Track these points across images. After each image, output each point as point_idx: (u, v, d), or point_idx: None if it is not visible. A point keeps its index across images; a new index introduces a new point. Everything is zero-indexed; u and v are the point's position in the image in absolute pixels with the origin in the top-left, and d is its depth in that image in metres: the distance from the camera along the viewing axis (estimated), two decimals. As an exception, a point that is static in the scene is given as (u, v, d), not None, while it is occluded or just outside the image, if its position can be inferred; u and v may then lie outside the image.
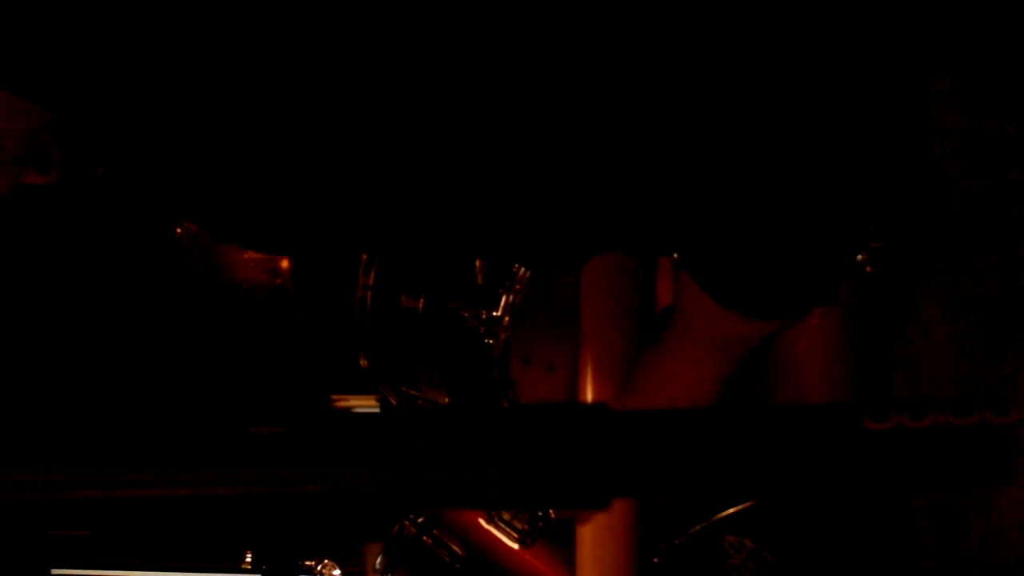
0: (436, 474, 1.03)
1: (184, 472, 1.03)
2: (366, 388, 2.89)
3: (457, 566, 2.57)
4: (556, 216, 1.50)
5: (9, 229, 2.81)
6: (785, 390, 2.27)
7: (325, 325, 3.14)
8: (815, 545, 2.24)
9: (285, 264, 3.23)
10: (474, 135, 1.41)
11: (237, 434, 1.06)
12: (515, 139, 1.42)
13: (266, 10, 1.34)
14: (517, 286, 2.46)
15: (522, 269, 2.46)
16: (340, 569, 2.84)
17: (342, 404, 3.17)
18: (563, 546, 2.47)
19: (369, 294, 2.71)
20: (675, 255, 1.71)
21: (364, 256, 2.70)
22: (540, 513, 2.45)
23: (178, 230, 3.11)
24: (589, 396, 2.05)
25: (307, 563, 2.83)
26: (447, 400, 2.62)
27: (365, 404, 3.05)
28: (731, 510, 2.22)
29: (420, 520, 2.63)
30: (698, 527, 2.24)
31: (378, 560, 2.69)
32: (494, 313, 2.47)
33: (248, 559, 2.80)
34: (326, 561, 2.83)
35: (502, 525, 2.50)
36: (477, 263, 2.52)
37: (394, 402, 2.76)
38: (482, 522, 2.54)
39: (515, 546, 2.48)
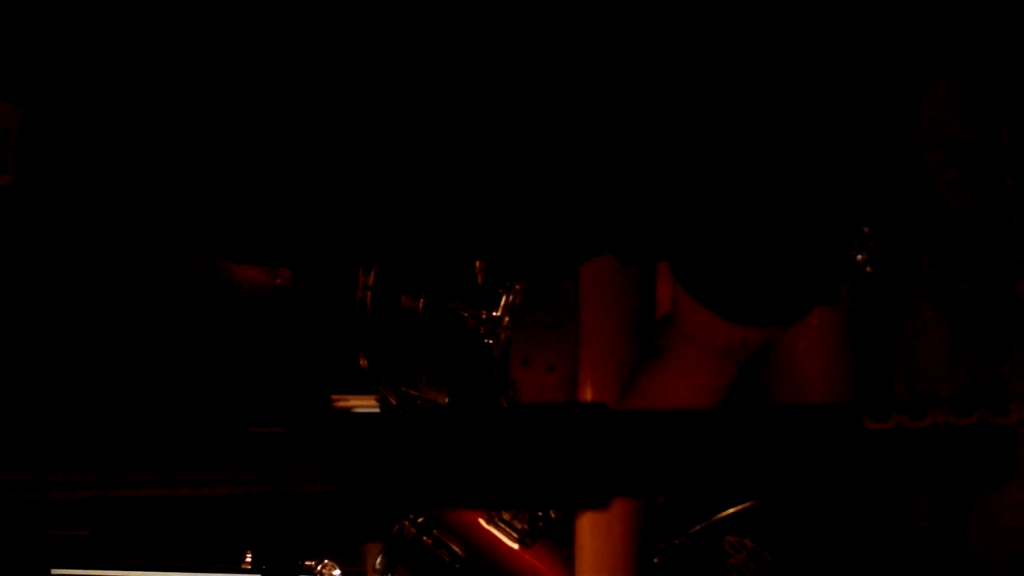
0: (436, 474, 1.03)
1: (184, 472, 1.03)
2: (366, 388, 2.89)
3: (457, 566, 2.57)
4: (546, 222, 1.50)
5: (10, 229, 2.81)
6: (785, 390, 2.27)
7: (325, 325, 3.14)
8: (815, 545, 2.24)
9: (286, 267, 3.22)
10: (466, 143, 1.41)
11: (237, 434, 1.06)
12: (506, 147, 1.42)
13: (265, 26, 1.34)
14: (517, 286, 2.46)
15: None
16: (340, 569, 2.84)
17: (342, 404, 3.17)
18: (563, 546, 2.47)
19: (369, 294, 2.71)
20: (667, 264, 1.71)
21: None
22: (540, 513, 2.46)
23: (182, 241, 3.10)
24: (588, 396, 2.05)
25: (307, 563, 2.82)
26: (447, 400, 2.62)
27: (365, 404, 3.05)
28: (731, 510, 2.22)
29: (420, 520, 2.63)
30: (698, 527, 2.24)
31: (378, 560, 2.69)
32: (494, 313, 2.47)
33: (248, 559, 2.80)
34: (326, 561, 2.83)
35: (502, 525, 2.50)
36: (477, 263, 2.52)
37: (394, 402, 2.76)
38: (482, 522, 2.53)
39: (515, 546, 2.48)
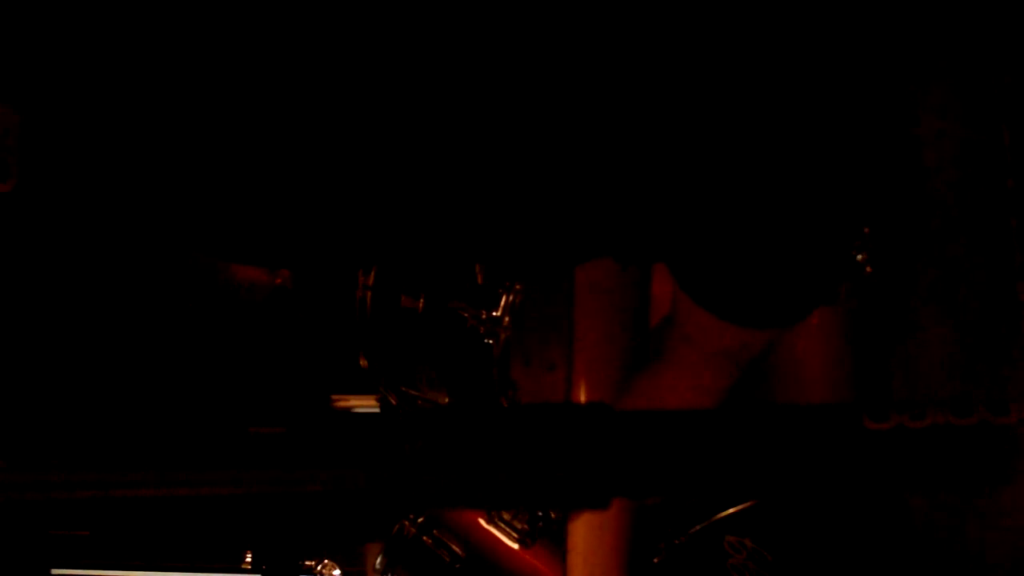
0: (436, 474, 1.03)
1: (184, 472, 1.03)
2: (366, 388, 2.89)
3: (457, 566, 2.57)
4: (545, 224, 1.50)
5: (10, 230, 2.81)
6: (785, 390, 2.27)
7: (325, 325, 3.14)
8: (815, 545, 2.24)
9: (285, 268, 3.22)
10: (466, 144, 1.41)
11: (237, 434, 1.06)
12: (505, 148, 1.42)
13: (265, 27, 1.34)
14: (517, 286, 2.46)
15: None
16: (340, 569, 2.84)
17: (342, 404, 3.17)
18: (563, 546, 2.47)
19: (369, 294, 2.71)
20: (664, 265, 1.71)
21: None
22: (540, 513, 2.46)
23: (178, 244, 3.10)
24: (583, 396, 2.05)
25: (307, 563, 2.82)
26: (447, 400, 2.62)
27: (365, 404, 3.05)
28: (731, 510, 2.22)
29: (420, 520, 2.63)
30: (698, 527, 2.24)
31: (378, 560, 2.69)
32: (494, 313, 2.47)
33: (248, 559, 2.80)
34: (326, 561, 2.83)
35: (502, 525, 2.50)
36: (477, 264, 2.52)
37: (394, 402, 2.76)
38: (482, 522, 2.54)
39: (515, 546, 2.48)
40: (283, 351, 3.17)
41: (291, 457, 1.04)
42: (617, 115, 1.42)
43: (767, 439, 1.07)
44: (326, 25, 1.34)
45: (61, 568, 2.79)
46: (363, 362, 2.76)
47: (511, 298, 2.46)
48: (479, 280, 2.52)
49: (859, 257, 1.99)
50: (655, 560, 2.23)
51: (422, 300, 2.61)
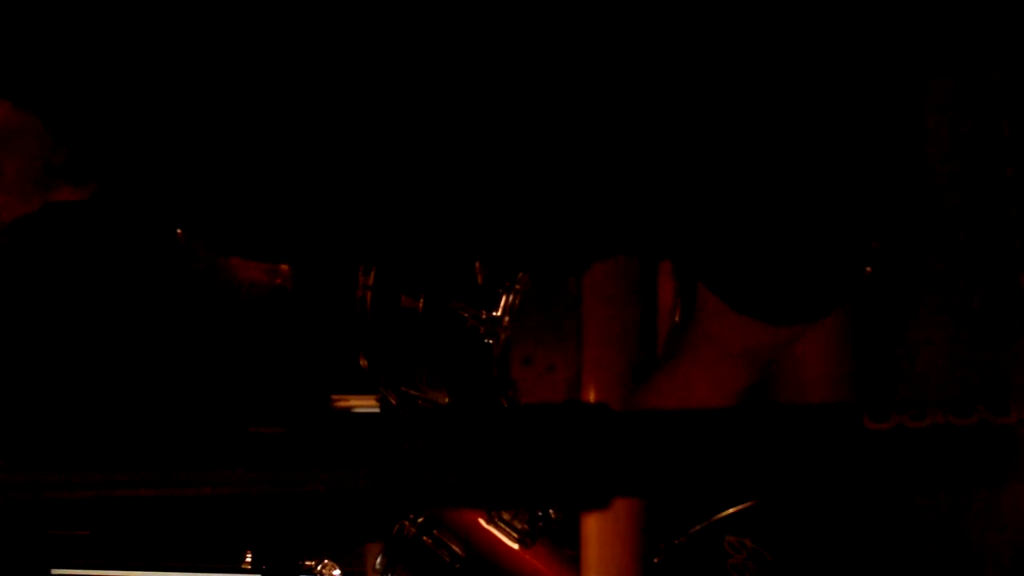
0: (436, 474, 1.03)
1: (184, 472, 1.03)
2: (366, 388, 2.89)
3: (457, 566, 2.57)
4: (566, 221, 1.50)
5: (9, 229, 2.81)
6: (785, 390, 2.27)
7: (325, 325, 3.14)
8: (815, 545, 2.24)
9: (285, 264, 3.23)
10: (481, 143, 1.41)
11: (237, 434, 1.06)
12: (525, 146, 1.42)
13: (266, 25, 1.34)
14: (517, 286, 2.46)
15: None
16: (340, 569, 2.84)
17: (342, 404, 3.17)
18: (563, 546, 2.47)
19: (369, 294, 2.71)
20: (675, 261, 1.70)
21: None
22: (540, 513, 2.46)
23: (179, 231, 3.11)
24: (592, 397, 2.05)
25: (307, 563, 2.82)
26: (447, 400, 2.62)
27: (365, 404, 3.05)
28: (731, 510, 2.22)
29: (420, 520, 2.63)
30: (698, 527, 2.24)
31: (378, 560, 2.69)
32: (494, 313, 2.47)
33: (248, 559, 2.80)
34: (326, 561, 2.83)
35: (502, 525, 2.50)
36: (477, 263, 2.52)
37: (394, 402, 2.76)
38: (482, 522, 2.54)
39: (515, 546, 2.48)
40: (283, 351, 3.17)
41: (291, 457, 1.04)
42: (639, 113, 1.42)
43: (767, 439, 1.07)
44: (329, 23, 1.34)
45: (61, 568, 2.79)
46: (363, 362, 2.77)
47: (511, 298, 2.46)
48: (479, 280, 2.52)
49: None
50: (655, 560, 2.23)
51: (422, 300, 2.61)
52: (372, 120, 1.39)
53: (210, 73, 1.34)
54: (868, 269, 1.92)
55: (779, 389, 2.27)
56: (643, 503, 2.06)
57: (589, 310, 2.07)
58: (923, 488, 1.98)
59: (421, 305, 2.61)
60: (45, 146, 1.37)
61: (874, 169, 1.56)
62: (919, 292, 2.16)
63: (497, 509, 2.47)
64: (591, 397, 2.04)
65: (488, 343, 2.46)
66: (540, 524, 2.46)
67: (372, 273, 2.71)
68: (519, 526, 2.48)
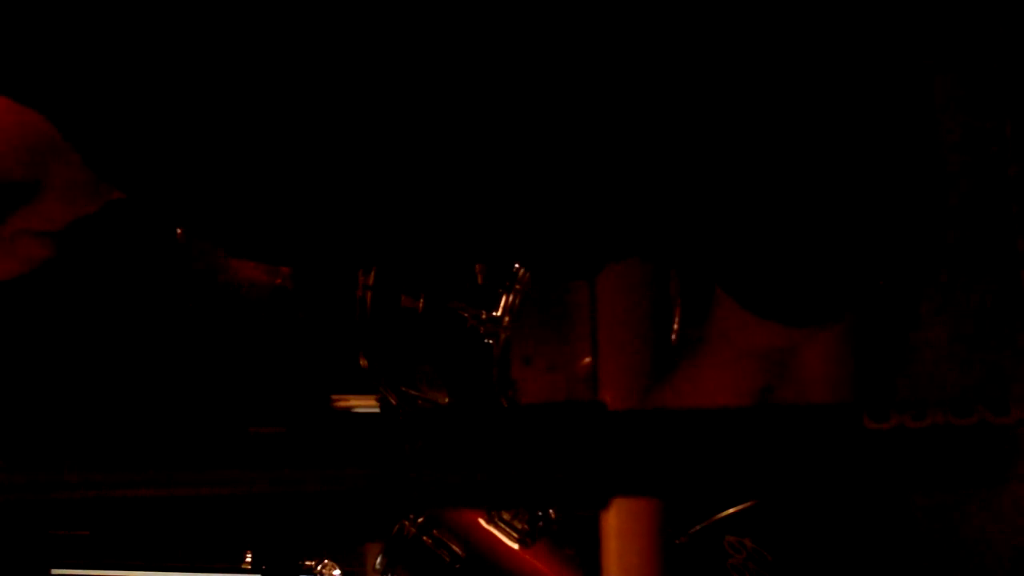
0: (436, 474, 1.03)
1: (184, 472, 1.03)
2: (366, 388, 2.89)
3: (457, 566, 2.57)
4: (578, 224, 1.49)
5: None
6: (785, 390, 2.26)
7: (325, 325, 3.14)
8: (815, 545, 2.24)
9: (286, 266, 3.22)
10: (489, 145, 1.40)
11: (237, 434, 1.06)
12: (535, 147, 1.41)
13: (264, 22, 1.33)
14: (517, 286, 2.46)
15: (522, 269, 2.46)
16: (340, 569, 2.84)
17: (342, 404, 3.17)
18: (563, 546, 2.47)
19: (369, 294, 2.71)
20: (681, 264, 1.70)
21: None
22: (540, 513, 2.46)
23: (179, 230, 3.11)
24: (609, 398, 2.04)
25: (307, 563, 2.82)
26: (447, 400, 2.62)
27: (365, 404, 3.05)
28: (731, 510, 2.22)
29: (420, 520, 2.63)
30: (698, 527, 2.24)
31: (378, 560, 2.69)
32: (494, 313, 2.47)
33: (248, 559, 2.80)
34: (326, 561, 2.83)
35: (502, 525, 2.50)
36: (477, 264, 2.52)
37: (394, 402, 2.76)
38: (482, 522, 2.54)
39: (515, 546, 2.48)
40: (283, 351, 3.17)
41: (291, 457, 1.04)
42: (650, 114, 1.41)
43: (767, 439, 1.07)
44: (329, 22, 1.34)
45: (61, 568, 2.79)
46: (363, 362, 2.76)
47: (511, 298, 2.46)
48: (479, 280, 2.52)
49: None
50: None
51: (422, 300, 2.61)
52: (375, 120, 1.38)
53: (209, 72, 1.34)
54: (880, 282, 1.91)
55: (779, 389, 2.26)
56: (661, 501, 2.06)
57: (604, 311, 2.07)
58: (923, 488, 1.98)
59: (421, 305, 2.61)
60: None
61: (889, 169, 1.56)
62: (919, 292, 2.15)
63: (497, 509, 2.47)
64: (608, 398, 2.04)
65: (488, 343, 2.46)
66: (540, 524, 2.46)
67: (372, 273, 2.71)
68: (519, 526, 2.48)
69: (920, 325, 2.17)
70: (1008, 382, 2.10)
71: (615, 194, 1.46)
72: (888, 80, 1.52)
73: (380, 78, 1.36)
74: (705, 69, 1.41)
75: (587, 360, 2.53)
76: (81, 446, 1.04)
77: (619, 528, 2.05)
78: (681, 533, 2.24)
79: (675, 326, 2.42)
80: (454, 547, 2.59)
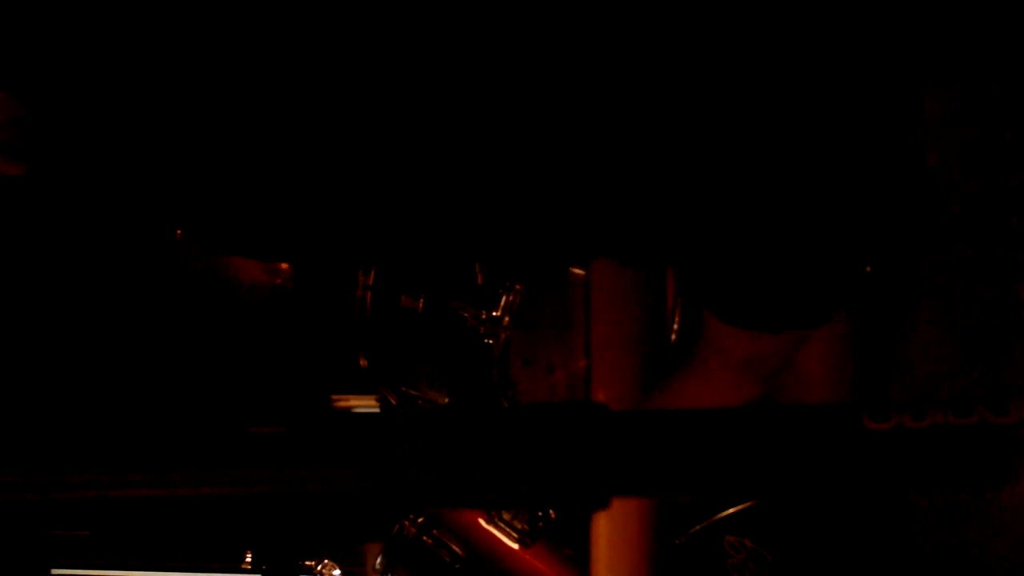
0: (436, 474, 1.03)
1: (184, 472, 1.03)
2: (366, 388, 2.89)
3: (457, 566, 2.57)
4: (549, 224, 1.50)
5: (9, 229, 2.81)
6: (785, 390, 2.27)
7: (325, 325, 3.14)
8: (815, 545, 2.24)
9: (285, 264, 3.23)
10: (469, 142, 1.41)
11: (237, 434, 1.06)
12: (512, 147, 1.42)
13: (264, 16, 1.33)
14: (517, 286, 2.46)
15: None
16: (340, 569, 2.84)
17: (342, 404, 3.17)
18: (563, 546, 2.47)
19: (369, 294, 2.71)
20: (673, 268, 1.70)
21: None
22: (540, 513, 2.45)
23: (178, 231, 3.11)
24: (604, 395, 2.04)
25: (307, 563, 2.82)
26: (447, 400, 2.62)
27: (365, 404, 3.05)
28: (731, 510, 2.22)
29: (420, 520, 2.63)
30: (698, 527, 2.24)
31: (378, 560, 2.69)
32: (494, 313, 2.47)
33: (248, 559, 2.80)
34: (326, 561, 2.83)
35: (502, 525, 2.50)
36: (477, 264, 2.52)
37: (394, 402, 2.76)
38: (482, 522, 2.54)
39: (515, 546, 2.48)
40: (283, 351, 3.17)
41: (291, 457, 1.04)
42: (628, 118, 1.42)
43: (767, 439, 1.07)
44: (328, 20, 1.34)
45: (61, 568, 2.79)
46: (363, 362, 2.76)
47: (511, 298, 2.46)
48: (479, 280, 2.52)
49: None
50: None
51: (422, 300, 2.61)
52: (369, 118, 1.39)
53: (209, 70, 1.34)
54: (868, 269, 1.91)
55: (779, 389, 2.27)
56: (652, 503, 2.06)
57: (598, 313, 2.07)
58: (923, 488, 1.98)
59: (421, 305, 2.61)
60: None
61: (868, 172, 1.56)
62: (920, 293, 2.16)
63: (497, 509, 2.47)
64: (601, 401, 2.04)
65: (488, 343, 2.46)
66: (540, 524, 2.46)
67: (372, 273, 2.71)
68: (519, 526, 2.48)
69: (920, 326, 2.17)
70: (1007, 382, 2.11)
71: (589, 194, 1.46)
72: (869, 93, 1.53)
73: (375, 77, 1.36)
74: (688, 79, 1.41)
75: (587, 361, 2.53)
76: (81, 446, 1.04)
77: (609, 536, 2.05)
78: (681, 533, 2.24)
79: (675, 326, 2.42)
80: (454, 547, 2.59)
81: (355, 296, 2.73)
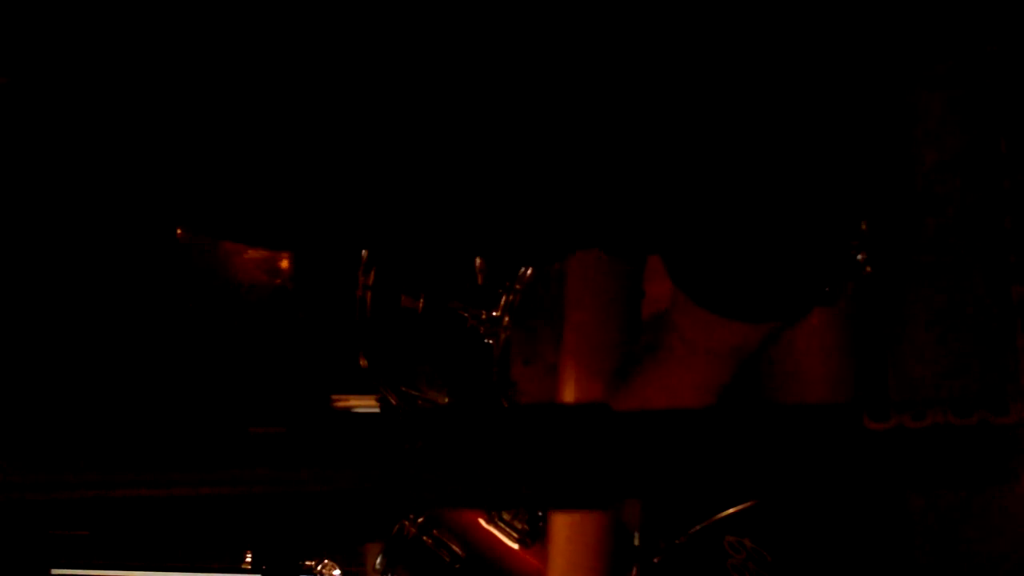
0: (436, 474, 1.03)
1: (184, 472, 1.03)
2: (366, 388, 2.89)
3: (457, 566, 2.57)
4: (535, 212, 1.50)
5: (10, 228, 2.81)
6: (785, 390, 2.27)
7: (325, 325, 3.14)
8: (815, 545, 2.24)
9: (285, 264, 3.23)
10: (461, 133, 1.41)
11: (237, 434, 1.06)
12: (502, 138, 1.42)
13: (266, 19, 1.34)
14: (517, 286, 2.46)
15: (523, 269, 2.46)
16: (340, 569, 2.84)
17: (342, 404, 3.17)
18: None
19: (369, 294, 2.71)
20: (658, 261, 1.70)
21: (364, 255, 2.70)
22: (540, 513, 2.45)
23: (179, 230, 3.11)
24: (573, 391, 2.03)
25: (307, 563, 2.82)
26: (447, 400, 2.62)
27: (365, 404, 3.05)
28: (731, 510, 2.22)
29: (420, 520, 2.63)
30: (698, 527, 2.24)
31: (378, 560, 2.69)
32: (494, 313, 2.47)
33: (248, 559, 2.80)
34: (326, 561, 2.83)
35: (502, 525, 2.50)
36: (477, 263, 2.52)
37: (394, 402, 2.76)
38: (482, 522, 2.54)
39: (515, 546, 2.48)
40: (283, 351, 3.17)
41: (291, 457, 1.04)
42: (614, 108, 1.42)
43: (767, 439, 1.07)
44: (329, 16, 1.34)
45: (61, 568, 2.79)
46: (363, 362, 2.76)
47: (511, 298, 2.46)
48: (479, 280, 2.52)
49: (859, 257, 1.99)
50: (655, 560, 2.23)
51: (422, 300, 2.61)
52: (368, 115, 1.39)
53: (210, 67, 1.34)
54: (868, 269, 1.91)
55: (779, 389, 2.27)
56: (610, 515, 2.06)
57: (570, 309, 2.07)
58: (923, 488, 1.98)
59: (421, 305, 2.61)
60: None
61: (858, 170, 1.56)
62: (919, 293, 2.16)
63: (497, 509, 2.47)
64: (571, 392, 2.03)
65: (488, 343, 2.46)
66: (540, 524, 2.46)
67: (372, 273, 2.71)
68: (519, 526, 2.48)
69: (919, 326, 2.17)
70: (1008, 382, 2.11)
71: (579, 185, 1.46)
72: (859, 92, 1.53)
73: (375, 75, 1.37)
74: (671, 73, 1.42)
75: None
76: (81, 446, 1.04)
77: (568, 533, 2.05)
78: (681, 533, 2.24)
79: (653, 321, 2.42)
80: (454, 547, 2.59)
81: (355, 296, 2.73)
